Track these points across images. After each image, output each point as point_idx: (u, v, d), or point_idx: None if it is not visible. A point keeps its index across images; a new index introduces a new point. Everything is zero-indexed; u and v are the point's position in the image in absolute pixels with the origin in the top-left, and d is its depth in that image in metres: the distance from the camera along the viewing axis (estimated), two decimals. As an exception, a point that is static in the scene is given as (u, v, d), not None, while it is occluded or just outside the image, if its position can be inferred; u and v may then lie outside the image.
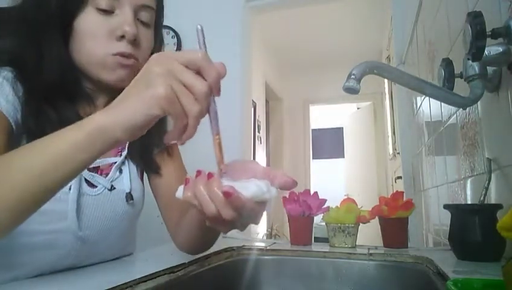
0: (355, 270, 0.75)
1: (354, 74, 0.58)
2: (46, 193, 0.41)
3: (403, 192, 0.85)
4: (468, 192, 0.85)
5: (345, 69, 0.62)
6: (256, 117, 4.03)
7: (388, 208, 0.82)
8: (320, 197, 0.86)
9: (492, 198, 0.69)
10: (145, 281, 0.54)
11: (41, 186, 0.40)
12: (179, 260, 0.65)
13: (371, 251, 0.78)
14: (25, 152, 0.42)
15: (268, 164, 4.51)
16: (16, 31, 0.61)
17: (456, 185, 0.96)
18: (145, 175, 0.76)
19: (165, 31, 2.24)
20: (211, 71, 0.39)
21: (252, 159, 3.15)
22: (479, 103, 0.69)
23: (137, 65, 0.62)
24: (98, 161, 0.66)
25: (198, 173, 0.41)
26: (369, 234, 1.21)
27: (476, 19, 0.55)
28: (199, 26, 0.40)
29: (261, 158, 4.26)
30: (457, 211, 0.68)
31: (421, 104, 1.46)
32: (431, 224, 1.37)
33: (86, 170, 0.64)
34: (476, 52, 0.55)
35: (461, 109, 0.86)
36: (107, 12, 0.59)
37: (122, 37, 0.60)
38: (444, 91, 0.68)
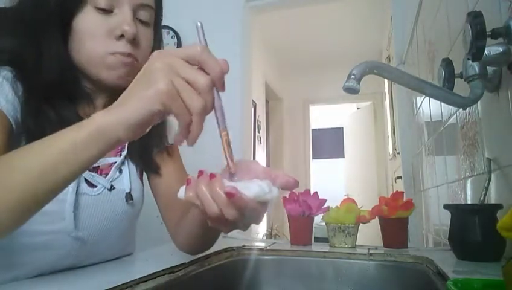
0: (355, 270, 0.75)
1: (354, 74, 0.58)
2: (47, 193, 0.41)
3: (403, 192, 0.85)
4: (468, 192, 0.85)
5: (345, 69, 0.62)
6: (256, 117, 4.03)
7: (388, 208, 0.82)
8: (320, 197, 0.86)
9: (492, 198, 0.69)
10: (145, 281, 0.54)
11: (42, 187, 0.40)
12: (179, 260, 0.65)
13: (371, 251, 0.78)
14: (25, 153, 0.42)
15: (268, 164, 4.51)
16: (14, 31, 0.61)
17: (456, 185, 0.96)
18: (145, 175, 0.76)
19: (165, 31, 2.25)
20: (213, 65, 0.39)
21: (252, 159, 3.15)
22: (479, 103, 0.69)
23: (136, 64, 0.62)
24: (97, 160, 0.66)
25: (200, 173, 0.41)
26: (369, 234, 1.21)
27: (476, 19, 0.55)
28: (199, 23, 0.40)
29: (261, 158, 4.26)
30: (457, 211, 0.68)
31: (421, 104, 1.46)
32: (431, 224, 1.37)
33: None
34: (476, 52, 0.55)
35: (461, 109, 0.86)
36: (106, 11, 0.59)
37: (122, 36, 0.60)
38: (444, 91, 0.68)
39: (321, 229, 0.92)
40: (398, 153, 2.45)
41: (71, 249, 0.61)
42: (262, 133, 4.32)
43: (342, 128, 5.72)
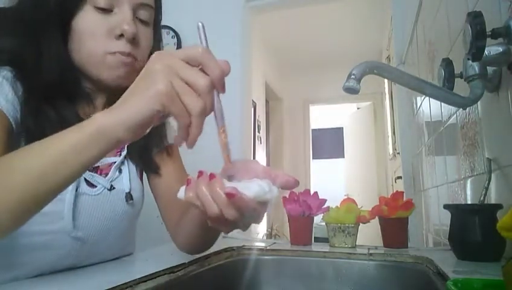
0: (355, 270, 0.75)
1: (354, 74, 0.58)
2: (47, 194, 0.41)
3: (403, 192, 0.85)
4: (468, 192, 0.85)
5: (345, 69, 0.62)
6: (256, 117, 4.03)
7: (388, 208, 0.82)
8: (320, 197, 0.86)
9: (492, 198, 0.69)
10: (145, 281, 0.54)
11: (42, 188, 0.40)
12: (179, 260, 0.65)
13: (371, 251, 0.78)
14: (25, 153, 0.42)
15: (268, 164, 4.50)
16: (14, 31, 0.61)
17: (456, 185, 0.96)
18: (144, 175, 0.76)
19: (165, 31, 2.25)
20: (213, 66, 0.38)
21: (252, 159, 3.14)
22: (479, 103, 0.69)
23: (136, 64, 0.62)
24: (97, 160, 0.66)
25: (200, 173, 0.41)
26: (369, 234, 1.21)
27: (476, 19, 0.55)
28: (200, 24, 0.40)
29: (261, 158, 4.26)
30: (457, 211, 0.68)
31: (421, 104, 1.46)
32: (431, 224, 1.37)
33: (85, 170, 0.64)
34: (476, 52, 0.55)
35: (461, 109, 0.86)
36: (106, 10, 0.59)
37: (121, 35, 0.60)
38: (444, 91, 0.68)
39: (321, 229, 0.92)
40: (398, 153, 2.45)
41: (71, 249, 0.61)
42: (262, 133, 4.32)
43: (342, 128, 5.72)
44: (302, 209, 0.85)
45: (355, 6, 3.38)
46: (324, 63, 4.67)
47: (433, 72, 1.17)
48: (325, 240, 0.87)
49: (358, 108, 5.61)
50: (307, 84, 5.09)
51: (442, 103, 1.05)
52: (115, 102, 0.41)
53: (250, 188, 0.39)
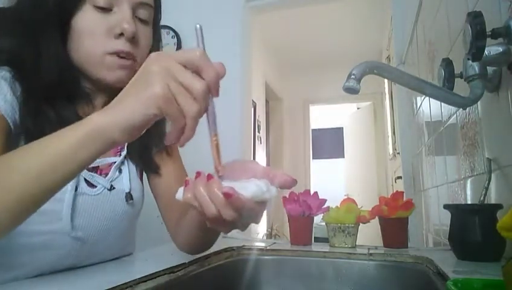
0: (355, 270, 0.75)
1: (354, 74, 0.58)
2: (45, 193, 0.41)
3: (403, 192, 0.85)
4: (468, 192, 0.85)
5: (345, 69, 0.62)
6: (256, 117, 4.03)
7: (388, 208, 0.82)
8: (320, 197, 0.86)
9: (492, 198, 0.69)
10: (145, 281, 0.54)
11: (40, 187, 0.40)
12: (179, 260, 0.65)
13: (371, 251, 0.78)
14: (23, 153, 0.42)
15: (268, 164, 4.51)
16: (13, 31, 0.61)
17: (456, 185, 0.96)
18: (144, 175, 0.76)
19: (165, 31, 2.25)
20: (209, 71, 0.39)
21: (252, 159, 3.15)
22: (479, 103, 0.69)
23: (135, 64, 0.62)
24: (97, 160, 0.66)
25: (198, 174, 0.41)
26: (369, 234, 1.21)
27: (476, 19, 0.55)
28: (198, 26, 0.40)
29: (261, 158, 4.26)
30: (457, 211, 0.68)
31: (421, 104, 1.46)
32: (431, 224, 1.37)
33: (85, 170, 0.64)
34: (476, 52, 0.55)
35: (461, 109, 0.86)
36: (105, 10, 0.59)
37: (121, 34, 0.60)
38: (444, 91, 0.68)
39: (321, 229, 0.92)
40: (398, 153, 2.45)
41: (71, 249, 0.61)
42: (262, 133, 4.32)
43: (342, 128, 5.72)
44: (302, 209, 0.85)
45: (355, 6, 3.38)
46: (324, 63, 4.67)
47: (433, 72, 1.17)
48: (325, 240, 0.87)
49: (358, 108, 5.61)
50: (307, 84, 5.09)
51: (442, 103, 1.05)
52: None
53: (248, 188, 0.39)
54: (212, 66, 0.39)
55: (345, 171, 5.48)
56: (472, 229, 0.63)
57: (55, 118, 0.58)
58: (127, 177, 0.69)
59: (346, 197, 0.99)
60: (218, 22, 2.28)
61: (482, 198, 0.65)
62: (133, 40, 0.61)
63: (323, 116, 6.43)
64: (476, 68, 0.63)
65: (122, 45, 0.60)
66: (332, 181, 5.96)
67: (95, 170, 0.67)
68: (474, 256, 0.62)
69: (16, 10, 0.60)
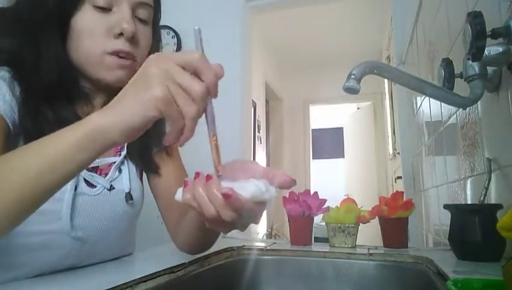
0: (355, 270, 0.75)
1: (354, 74, 0.58)
2: (44, 193, 0.41)
3: (403, 192, 0.85)
4: (468, 192, 0.85)
5: (345, 69, 0.62)
6: (256, 117, 4.03)
7: (388, 208, 0.82)
8: (320, 197, 0.86)
9: (492, 198, 0.69)
10: (145, 281, 0.54)
11: (39, 187, 0.40)
12: (179, 260, 0.65)
13: (371, 251, 0.78)
14: (23, 153, 0.42)
15: (268, 164, 4.51)
16: (12, 31, 0.61)
17: (456, 185, 0.96)
18: (144, 175, 0.76)
19: (165, 31, 2.25)
20: (208, 72, 0.39)
21: (252, 159, 3.15)
22: (479, 103, 0.69)
23: (135, 64, 0.62)
24: (97, 160, 0.66)
25: (197, 174, 0.41)
26: (369, 234, 1.21)
27: (476, 19, 0.55)
28: (196, 28, 0.40)
29: (261, 158, 4.26)
30: (457, 211, 0.68)
31: (421, 104, 1.46)
32: (431, 224, 1.37)
33: (84, 170, 0.64)
34: (476, 52, 0.55)
35: (461, 109, 0.86)
36: (105, 9, 0.59)
37: (120, 34, 0.59)
38: (444, 91, 0.68)
39: (321, 229, 0.92)
40: (398, 153, 2.45)
41: (71, 249, 0.61)
42: (262, 133, 4.32)
43: (342, 128, 5.72)
44: (302, 209, 0.85)
45: (355, 6, 3.38)
46: (324, 63, 4.67)
47: (433, 72, 1.17)
48: (325, 240, 0.87)
49: (358, 108, 5.61)
50: (307, 84, 5.09)
51: (442, 103, 1.05)
52: None
53: (247, 189, 0.39)
54: (211, 68, 0.39)
55: (345, 171, 5.48)
56: (472, 229, 0.63)
57: (54, 118, 0.58)
58: (126, 177, 0.69)
59: (346, 197, 0.99)
60: (218, 22, 2.28)
61: (482, 198, 0.65)
62: (132, 40, 0.61)
63: (323, 116, 6.43)
64: (476, 68, 0.63)
65: (121, 44, 0.60)
66: (332, 181, 5.96)
67: (95, 170, 0.67)
68: (474, 256, 0.62)
69: (16, 10, 0.60)
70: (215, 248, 0.73)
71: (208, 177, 0.40)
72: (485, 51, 0.55)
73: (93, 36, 0.59)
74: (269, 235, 3.86)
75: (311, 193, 0.87)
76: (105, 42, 0.59)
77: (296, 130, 5.15)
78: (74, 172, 0.41)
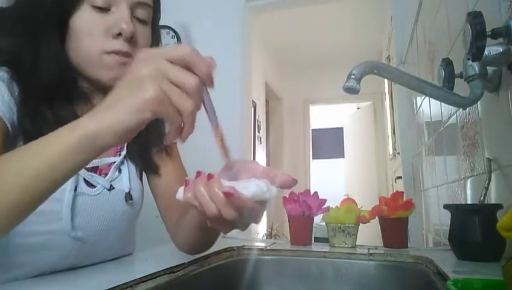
0: (355, 270, 0.75)
1: (354, 74, 0.58)
2: (44, 192, 0.41)
3: (403, 192, 0.85)
4: (468, 192, 0.85)
5: (345, 69, 0.62)
6: (256, 117, 4.03)
7: (388, 208, 0.82)
8: (320, 197, 0.86)
9: (492, 198, 0.69)
10: (145, 281, 0.54)
11: (39, 187, 0.39)
12: (179, 260, 0.65)
13: (371, 251, 0.78)
14: (22, 153, 0.41)
15: (268, 164, 4.51)
16: (11, 31, 0.61)
17: (456, 185, 0.96)
18: (144, 175, 0.76)
19: (164, 31, 2.25)
20: (200, 64, 0.39)
21: (252, 159, 3.15)
22: (479, 103, 0.69)
23: None
24: (96, 160, 0.66)
25: (198, 173, 0.41)
26: (369, 234, 1.21)
27: (476, 19, 0.55)
28: (184, 22, 0.40)
29: (261, 158, 4.26)
30: (457, 211, 0.68)
31: (421, 104, 1.46)
32: (431, 224, 1.37)
33: (84, 170, 0.64)
34: (476, 52, 0.55)
35: (461, 109, 0.86)
36: (103, 9, 0.59)
37: (119, 34, 0.59)
38: (444, 91, 0.68)
39: (321, 229, 0.92)
40: (398, 153, 2.45)
41: (71, 250, 0.61)
42: (262, 133, 4.32)
43: (342, 128, 5.72)
44: (302, 209, 0.85)
45: (355, 6, 3.38)
46: (324, 63, 4.67)
47: (433, 72, 1.17)
48: (325, 240, 0.87)
49: (358, 108, 5.61)
50: (307, 84, 5.09)
51: (442, 103, 1.05)
52: None
53: (248, 188, 0.40)
54: (203, 60, 0.39)
55: (345, 171, 5.48)
56: (472, 229, 0.63)
57: (53, 118, 0.58)
58: (126, 177, 0.69)
59: (346, 197, 0.99)
60: (218, 22, 2.29)
61: (482, 198, 0.65)
62: (131, 40, 0.60)
63: (323, 116, 6.43)
64: (476, 68, 0.63)
65: (120, 45, 0.59)
66: (332, 181, 5.96)
67: (95, 170, 0.67)
68: (474, 256, 0.62)
69: (15, 10, 0.60)
70: (215, 247, 0.73)
71: (209, 176, 0.40)
72: (485, 51, 0.55)
73: (91, 36, 0.59)
74: (269, 235, 3.87)
75: (311, 193, 0.87)
76: (104, 42, 0.59)
77: (296, 130, 5.15)
78: (73, 171, 0.41)
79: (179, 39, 2.32)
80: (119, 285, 0.49)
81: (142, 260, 0.76)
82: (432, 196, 1.32)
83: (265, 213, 0.43)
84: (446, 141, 1.05)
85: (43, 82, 0.58)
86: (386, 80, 3.45)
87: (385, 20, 3.32)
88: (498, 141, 0.66)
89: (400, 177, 2.41)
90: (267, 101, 4.55)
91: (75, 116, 0.61)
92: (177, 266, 0.62)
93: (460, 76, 0.67)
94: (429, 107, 1.28)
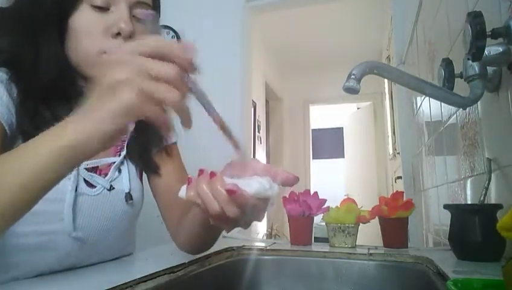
0: (355, 270, 0.75)
1: (354, 74, 0.58)
2: (40, 191, 0.40)
3: (403, 192, 0.85)
4: (468, 192, 0.85)
5: (345, 69, 0.62)
6: (256, 117, 4.03)
7: (388, 208, 0.82)
8: (320, 197, 0.86)
9: (492, 198, 0.69)
10: (145, 281, 0.54)
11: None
12: (179, 260, 0.64)
13: (371, 251, 0.78)
14: (20, 152, 0.41)
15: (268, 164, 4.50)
16: (11, 31, 0.61)
17: (456, 185, 0.96)
18: (144, 175, 0.76)
19: (164, 31, 2.25)
20: (177, 52, 0.36)
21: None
22: (479, 103, 0.69)
23: None
24: (96, 161, 0.66)
25: (201, 172, 0.41)
26: (369, 234, 1.21)
27: (476, 19, 0.55)
28: (148, 12, 0.38)
29: (261, 158, 4.26)
30: (457, 211, 0.68)
31: (421, 104, 1.46)
32: (431, 224, 1.37)
33: (84, 170, 0.64)
34: (476, 52, 0.55)
35: (461, 109, 0.86)
36: (103, 9, 0.59)
37: (118, 34, 0.59)
38: (444, 91, 0.68)
39: (321, 229, 0.92)
40: (398, 153, 2.45)
41: (71, 250, 0.61)
42: (262, 133, 4.32)
43: (342, 128, 5.72)
44: (302, 209, 0.85)
45: (355, 6, 3.38)
46: (324, 63, 4.67)
47: (433, 72, 1.17)
48: (325, 240, 0.87)
49: (358, 108, 5.61)
50: (307, 84, 5.09)
51: (442, 103, 1.05)
52: None
53: (251, 185, 0.40)
54: (177, 46, 0.37)
55: (345, 171, 5.48)
56: (472, 229, 0.63)
57: (52, 118, 0.58)
58: (126, 178, 0.69)
59: (346, 197, 0.99)
60: (218, 22, 2.28)
61: (482, 198, 0.65)
62: (130, 39, 0.60)
63: (323, 116, 6.43)
64: (476, 68, 0.63)
65: (119, 44, 0.59)
66: (332, 181, 5.96)
67: (95, 170, 0.67)
68: (474, 256, 0.62)
69: (14, 10, 0.60)
70: (215, 247, 0.73)
71: (212, 174, 0.40)
72: (485, 51, 0.55)
73: (90, 36, 0.59)
74: (269, 235, 3.87)
75: (311, 193, 0.87)
76: (103, 42, 0.59)
77: (296, 130, 5.15)
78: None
79: (179, 39, 2.32)
80: (119, 285, 0.49)
81: (142, 260, 0.76)
82: (432, 196, 1.32)
83: (266, 211, 0.43)
84: (446, 141, 1.05)
85: (42, 82, 0.58)
86: (386, 80, 3.45)
87: (385, 20, 3.32)
88: (498, 141, 0.66)
89: (400, 177, 2.41)
90: (267, 101, 4.55)
91: None
92: (177, 266, 0.62)
93: (460, 76, 0.67)
94: (429, 107, 1.28)
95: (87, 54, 0.59)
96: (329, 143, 6.74)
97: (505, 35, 0.55)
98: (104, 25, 0.59)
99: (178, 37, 2.31)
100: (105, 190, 0.66)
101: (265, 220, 3.96)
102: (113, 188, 0.67)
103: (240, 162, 0.45)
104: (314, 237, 0.94)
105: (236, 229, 0.45)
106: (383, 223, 0.84)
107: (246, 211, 0.40)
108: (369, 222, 0.84)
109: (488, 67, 0.64)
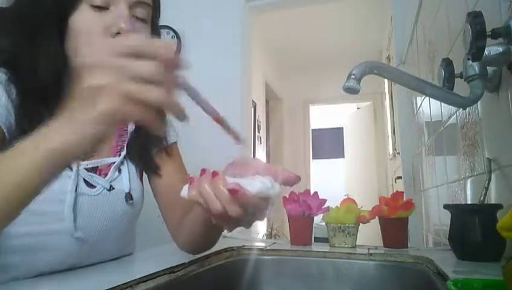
0: (355, 270, 0.75)
1: (354, 74, 0.58)
2: (35, 189, 0.39)
3: (403, 192, 0.85)
4: (468, 192, 0.85)
5: (345, 69, 0.62)
6: (256, 117, 4.03)
7: (388, 208, 0.82)
8: (320, 197, 0.86)
9: (492, 198, 0.69)
10: (145, 281, 0.54)
11: (32, 185, 0.38)
12: (179, 260, 0.64)
13: (371, 251, 0.78)
14: (15, 152, 0.40)
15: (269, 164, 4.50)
16: (11, 31, 0.60)
17: (456, 185, 0.96)
18: (145, 175, 0.76)
19: (165, 31, 2.25)
20: (156, 48, 0.35)
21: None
22: (479, 103, 0.69)
23: None
24: (96, 161, 0.66)
25: (203, 171, 0.41)
26: (369, 234, 1.21)
27: (476, 19, 0.55)
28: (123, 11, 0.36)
29: (261, 158, 4.26)
30: (457, 211, 0.68)
31: (421, 104, 1.46)
32: (431, 224, 1.37)
33: (84, 170, 0.64)
34: (476, 52, 0.55)
35: (461, 109, 0.86)
36: (102, 8, 0.58)
37: (118, 34, 0.59)
38: (444, 91, 0.68)
39: (321, 229, 0.92)
40: (398, 153, 2.45)
41: (71, 250, 0.61)
42: (262, 133, 4.32)
43: (342, 128, 5.72)
44: (302, 209, 0.85)
45: (355, 6, 3.38)
46: (324, 63, 4.67)
47: (433, 72, 1.17)
48: (325, 240, 0.87)
49: (358, 108, 5.61)
50: (307, 84, 5.09)
51: (442, 103, 1.05)
52: None
53: (253, 185, 0.40)
54: (157, 42, 0.36)
55: (345, 171, 5.48)
56: (472, 229, 0.63)
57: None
58: (126, 178, 0.69)
59: (346, 197, 0.99)
60: (218, 22, 2.28)
61: (482, 198, 0.65)
62: None
63: (323, 116, 6.43)
64: (476, 68, 0.63)
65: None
66: (332, 181, 5.96)
67: (94, 170, 0.67)
68: (474, 256, 0.62)
69: (14, 10, 0.60)
70: (215, 247, 0.73)
71: (214, 174, 0.40)
72: (485, 51, 0.55)
73: (90, 36, 0.59)
74: (269, 235, 3.87)
75: (311, 193, 0.87)
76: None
77: (296, 130, 5.15)
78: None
79: (179, 39, 2.32)
80: (119, 285, 0.49)
81: (142, 260, 0.76)
82: (432, 196, 1.32)
83: (268, 210, 0.44)
84: (446, 141, 1.05)
85: (42, 82, 0.58)
86: (386, 80, 3.45)
87: (385, 20, 3.32)
88: (498, 141, 0.66)
89: (400, 177, 2.41)
90: (267, 101, 4.55)
91: None
92: (177, 266, 0.62)
93: (460, 76, 0.67)
94: (429, 107, 1.28)
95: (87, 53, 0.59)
96: (329, 143, 6.74)
97: (505, 35, 0.55)
98: (103, 25, 0.59)
99: (178, 37, 2.32)
100: (105, 190, 0.66)
101: (265, 220, 3.97)
102: (113, 188, 0.67)
103: (242, 161, 0.45)
104: (314, 237, 0.94)
105: (237, 229, 0.46)
106: (383, 223, 0.84)
107: (248, 210, 0.40)
108: (369, 222, 0.84)
109: (488, 67, 0.64)
